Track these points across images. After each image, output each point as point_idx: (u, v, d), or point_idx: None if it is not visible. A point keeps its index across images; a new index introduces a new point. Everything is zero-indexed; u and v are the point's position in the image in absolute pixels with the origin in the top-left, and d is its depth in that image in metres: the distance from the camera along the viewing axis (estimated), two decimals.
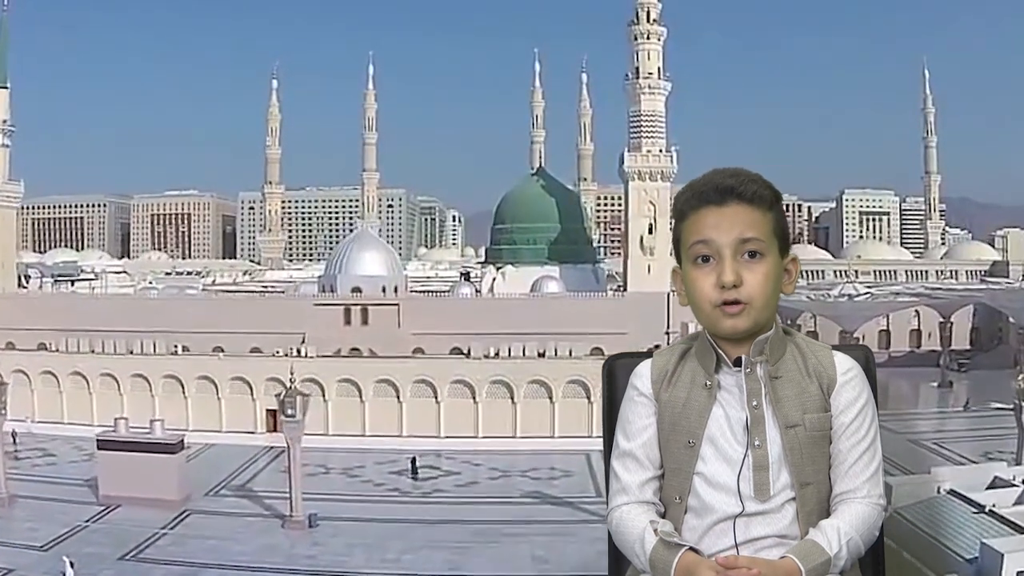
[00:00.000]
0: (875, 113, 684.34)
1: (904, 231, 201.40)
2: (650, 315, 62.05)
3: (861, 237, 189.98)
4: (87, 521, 35.46)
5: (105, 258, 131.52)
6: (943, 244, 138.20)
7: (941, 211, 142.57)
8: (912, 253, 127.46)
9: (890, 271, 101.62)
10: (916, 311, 77.05)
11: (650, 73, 72.35)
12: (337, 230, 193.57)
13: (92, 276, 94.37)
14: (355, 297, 68.49)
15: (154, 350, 56.84)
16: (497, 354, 55.31)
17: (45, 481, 41.38)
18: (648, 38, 72.66)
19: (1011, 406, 45.28)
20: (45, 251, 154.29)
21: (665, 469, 2.64)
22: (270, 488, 39.66)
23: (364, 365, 55.79)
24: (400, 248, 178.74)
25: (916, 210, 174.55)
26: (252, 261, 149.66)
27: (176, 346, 58.01)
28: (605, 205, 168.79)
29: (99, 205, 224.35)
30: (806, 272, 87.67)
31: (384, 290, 70.30)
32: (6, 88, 78.51)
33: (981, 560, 17.20)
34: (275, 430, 45.80)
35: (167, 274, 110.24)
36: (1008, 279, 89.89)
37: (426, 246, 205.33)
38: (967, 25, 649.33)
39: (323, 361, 54.90)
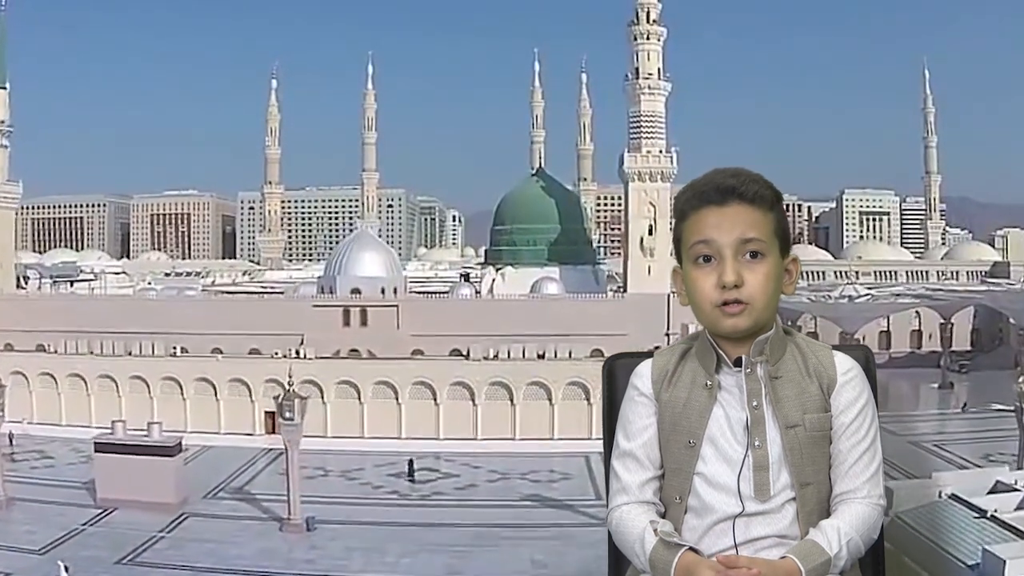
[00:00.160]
0: (875, 113, 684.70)
1: (904, 231, 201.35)
2: (650, 316, 61.89)
3: (861, 237, 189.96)
4: (84, 524, 35.34)
5: (104, 258, 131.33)
6: (943, 244, 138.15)
7: (941, 211, 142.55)
8: (912, 253, 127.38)
9: (891, 272, 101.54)
10: (917, 312, 76.96)
11: (650, 74, 72.13)
12: (337, 230, 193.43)
13: (91, 277, 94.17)
14: (354, 298, 68.30)
15: (152, 351, 56.68)
16: (496, 356, 55.14)
17: (43, 484, 41.26)
18: (648, 38, 72.44)
19: (1012, 408, 45.18)
20: (45, 251, 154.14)
21: (665, 469, 2.65)
22: (268, 491, 39.50)
23: (363, 366, 55.64)
24: (400, 248, 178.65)
25: (916, 210, 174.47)
26: (252, 261, 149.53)
27: (175, 347, 57.84)
28: (605, 205, 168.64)
29: (99, 205, 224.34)
30: (806, 273, 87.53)
31: (383, 291, 70.11)
32: (5, 89, 78.29)
33: (983, 566, 17.10)
34: (274, 432, 45.61)
35: (166, 275, 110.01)
36: (1009, 280, 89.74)
37: (426, 246, 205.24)
38: (967, 25, 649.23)
39: (322, 363, 54.74)
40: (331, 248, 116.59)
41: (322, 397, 51.43)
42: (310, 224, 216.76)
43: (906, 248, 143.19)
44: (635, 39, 72.80)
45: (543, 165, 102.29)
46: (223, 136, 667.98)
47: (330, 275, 73.65)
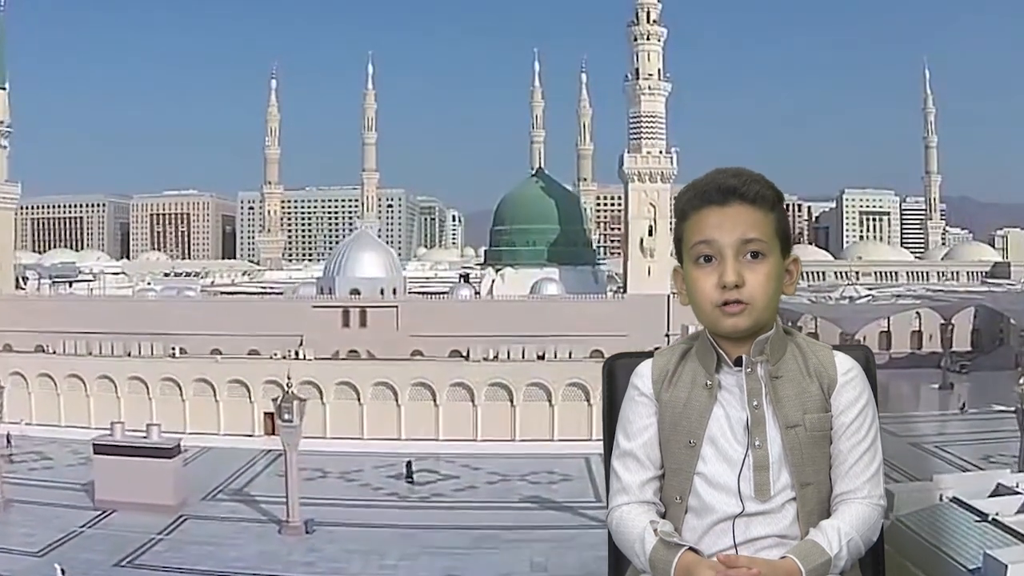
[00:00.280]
0: (875, 113, 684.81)
1: (904, 231, 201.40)
2: (650, 317, 61.76)
3: (861, 237, 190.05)
4: (83, 526, 35.21)
5: (104, 258, 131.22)
6: (944, 244, 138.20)
7: (941, 211, 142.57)
8: (912, 253, 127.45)
9: (891, 272, 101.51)
10: (917, 313, 76.94)
11: (650, 74, 71.95)
12: (337, 230, 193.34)
13: (90, 277, 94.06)
14: (353, 299, 68.17)
15: (152, 352, 56.60)
16: (496, 356, 55.07)
17: (41, 485, 41.14)
18: (648, 39, 72.25)
19: (1012, 409, 45.09)
20: (44, 251, 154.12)
21: (665, 469, 2.65)
22: (267, 492, 39.37)
23: (362, 367, 55.59)
24: (399, 248, 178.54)
25: (916, 210, 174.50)
26: (251, 261, 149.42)
27: (174, 348, 57.75)
28: (605, 205, 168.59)
29: (98, 205, 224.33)
30: (807, 273, 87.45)
31: (382, 292, 70.02)
32: (4, 89, 78.12)
33: (984, 571, 16.95)
34: (273, 433, 45.49)
35: (165, 275, 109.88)
36: (1009, 280, 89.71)
37: (426, 246, 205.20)
38: (967, 25, 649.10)
39: (321, 364, 54.69)
40: (331, 248, 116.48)
41: (321, 398, 51.41)
42: (310, 224, 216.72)
43: (906, 248, 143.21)
44: (635, 39, 72.63)
45: (543, 165, 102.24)
46: (223, 136, 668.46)
47: (329, 276, 73.55)
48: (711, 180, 2.52)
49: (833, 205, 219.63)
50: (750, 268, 2.46)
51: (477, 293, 78.43)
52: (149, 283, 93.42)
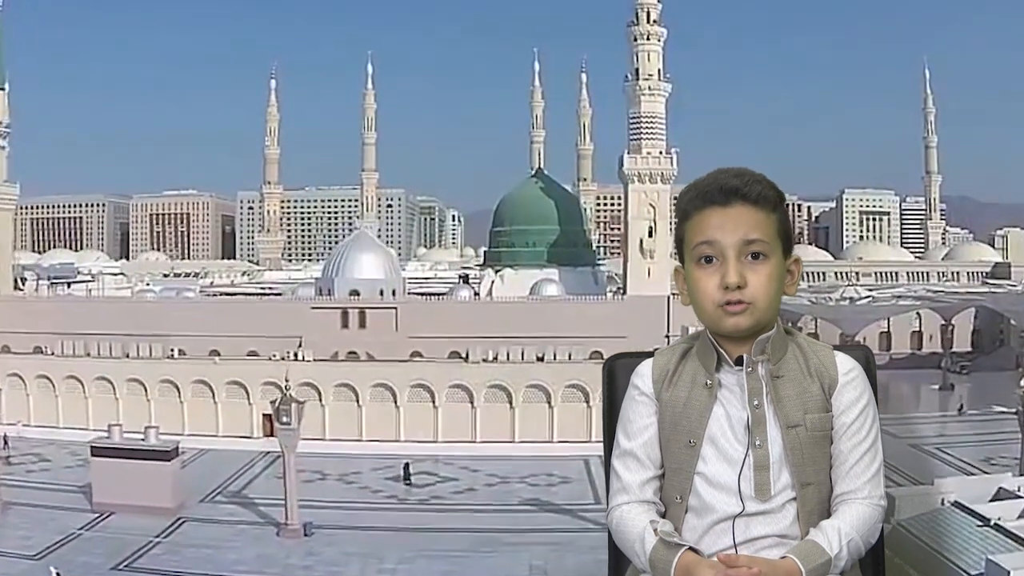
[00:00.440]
0: (875, 113, 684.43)
1: (904, 231, 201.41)
2: (650, 318, 61.59)
3: (861, 237, 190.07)
4: (80, 529, 35.11)
5: (103, 259, 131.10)
6: (944, 244, 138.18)
7: (942, 211, 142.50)
8: (912, 253, 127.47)
9: (891, 272, 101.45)
10: (917, 313, 76.88)
11: (650, 75, 71.76)
12: (336, 230, 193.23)
13: (89, 278, 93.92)
14: (352, 300, 68.02)
15: (150, 354, 56.45)
16: (495, 358, 54.86)
17: (39, 487, 41.05)
18: (648, 39, 72.06)
19: (1013, 410, 44.98)
20: (44, 251, 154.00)
21: (666, 469, 2.65)
22: (266, 495, 39.27)
23: (361, 369, 55.49)
24: (399, 248, 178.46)
25: (916, 210, 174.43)
26: (251, 261, 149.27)
27: (172, 350, 57.60)
28: (605, 205, 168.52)
29: (98, 205, 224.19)
30: (807, 274, 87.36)
31: (381, 293, 69.89)
32: (4, 90, 77.96)
33: None
34: (272, 434, 45.38)
35: (165, 275, 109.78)
36: (1010, 281, 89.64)
37: (425, 246, 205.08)
38: (967, 25, 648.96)
39: (320, 365, 54.57)
40: (330, 248, 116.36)
41: (320, 400, 51.29)
42: (309, 224, 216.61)
43: (906, 248, 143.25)
44: (635, 40, 72.44)
45: (543, 165, 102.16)
46: (223, 136, 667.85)
47: (328, 277, 73.40)
48: (713, 180, 2.52)
49: (833, 205, 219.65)
50: (752, 269, 2.46)
51: (476, 294, 78.32)
52: (148, 284, 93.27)
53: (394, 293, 71.48)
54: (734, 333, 2.51)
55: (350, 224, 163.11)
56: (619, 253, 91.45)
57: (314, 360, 55.25)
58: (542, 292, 73.06)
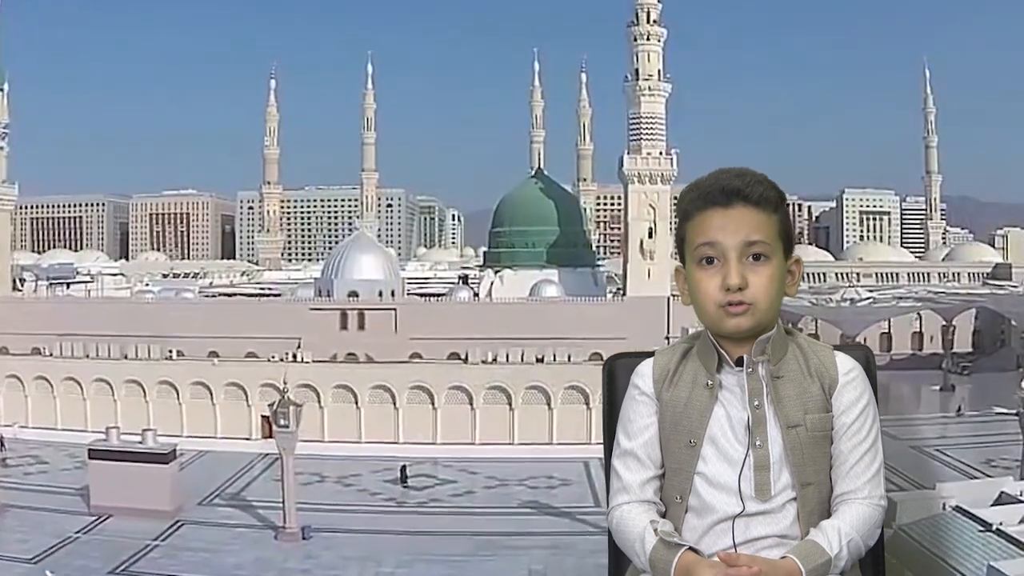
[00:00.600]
0: (875, 113, 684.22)
1: (904, 231, 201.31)
2: (650, 320, 61.48)
3: (862, 237, 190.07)
4: (78, 532, 34.93)
5: (102, 259, 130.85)
6: (944, 244, 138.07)
7: (942, 211, 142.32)
8: (913, 253, 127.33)
9: (892, 273, 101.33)
10: (918, 314, 76.77)
11: (650, 75, 71.59)
12: (336, 230, 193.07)
13: (88, 278, 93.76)
14: (351, 301, 67.87)
15: (149, 355, 56.34)
16: (495, 359, 54.75)
17: (37, 490, 40.89)
18: (648, 39, 71.91)
19: (1014, 412, 44.82)
20: (43, 251, 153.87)
21: (666, 469, 2.66)
22: (264, 497, 39.12)
23: (360, 371, 55.39)
24: (399, 248, 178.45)
25: (917, 210, 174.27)
26: (251, 261, 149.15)
27: (171, 351, 57.49)
28: (605, 205, 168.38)
29: (98, 205, 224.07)
30: (808, 275, 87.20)
31: (381, 294, 69.76)
32: (2, 91, 77.84)
33: None
34: (270, 436, 45.25)
35: (164, 276, 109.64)
36: (1011, 281, 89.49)
37: (425, 246, 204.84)
38: (967, 25, 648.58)
39: (318, 367, 54.47)
40: (330, 248, 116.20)
41: (319, 401, 51.17)
42: (309, 224, 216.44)
43: (906, 248, 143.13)
44: (635, 40, 72.27)
45: (543, 165, 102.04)
46: (222, 136, 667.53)
47: (327, 278, 73.24)
48: (715, 181, 2.52)
49: (833, 205, 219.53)
50: (753, 270, 2.47)
51: (476, 295, 78.20)
52: (147, 284, 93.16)
53: (393, 294, 71.34)
54: (735, 334, 2.52)
55: (350, 224, 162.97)
56: (619, 253, 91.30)
57: (313, 361, 55.16)
58: (542, 293, 72.95)
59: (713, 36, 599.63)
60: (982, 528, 19.46)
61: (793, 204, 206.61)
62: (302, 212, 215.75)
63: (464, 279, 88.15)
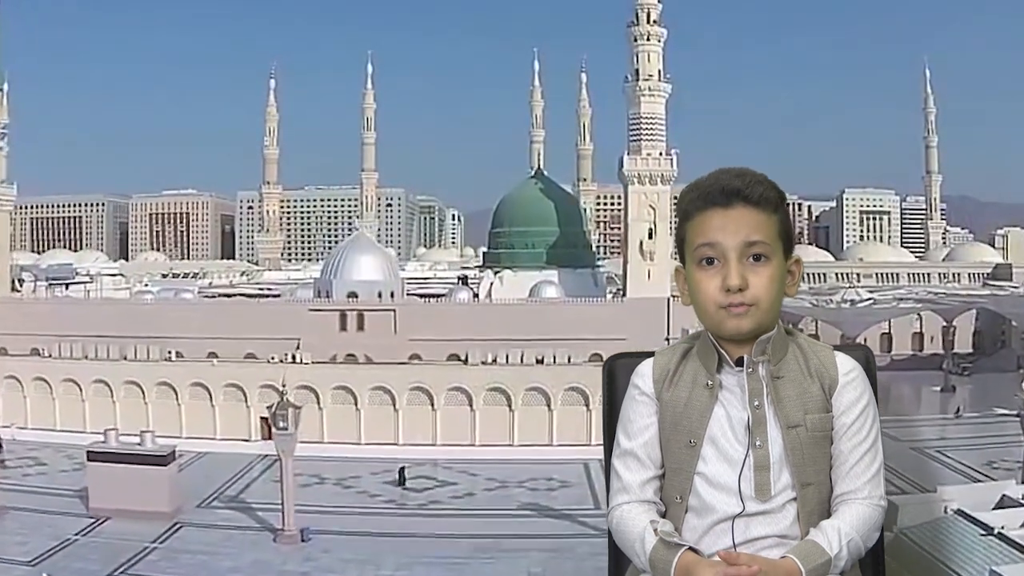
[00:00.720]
0: (876, 112, 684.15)
1: (905, 231, 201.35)
2: (650, 320, 61.41)
3: (862, 237, 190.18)
4: (76, 534, 34.80)
5: (102, 259, 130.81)
6: (944, 244, 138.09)
7: (942, 211, 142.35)
8: (913, 253, 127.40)
9: (892, 274, 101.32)
10: (918, 315, 76.71)
11: (650, 75, 71.52)
12: (336, 230, 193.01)
13: (87, 279, 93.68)
14: (351, 302, 67.83)
15: (148, 356, 56.26)
16: (495, 360, 54.70)
17: (35, 491, 40.77)
18: (648, 39, 71.84)
19: (1015, 413, 44.70)
20: (43, 251, 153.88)
21: (666, 469, 2.66)
22: (263, 499, 39.00)
23: (359, 372, 55.31)
24: (399, 248, 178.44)
25: (917, 209, 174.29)
26: (251, 261, 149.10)
27: (170, 352, 57.42)
28: (605, 205, 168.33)
29: (97, 205, 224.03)
30: (808, 275, 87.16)
31: (380, 295, 69.69)
32: (1, 91, 77.81)
33: None
34: (270, 437, 45.16)
35: (163, 276, 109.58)
36: (1012, 282, 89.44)
37: (425, 246, 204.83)
38: (967, 25, 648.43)
39: (318, 368, 54.39)
40: (330, 248, 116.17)
41: (318, 403, 51.07)
42: (309, 224, 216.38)
43: (906, 248, 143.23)
44: (635, 40, 72.21)
45: (543, 165, 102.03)
46: (222, 136, 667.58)
47: (326, 279, 73.16)
48: (715, 181, 2.51)
49: (833, 204, 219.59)
50: (753, 270, 2.46)
51: (476, 296, 78.13)
52: (146, 284, 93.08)
53: (392, 295, 71.29)
54: (736, 336, 2.52)
55: (350, 224, 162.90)
56: (619, 253, 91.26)
57: (312, 362, 55.08)
58: (541, 294, 72.89)
59: (713, 36, 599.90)
60: (984, 532, 19.38)
61: (793, 204, 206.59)
62: (302, 212, 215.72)
63: (464, 280, 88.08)
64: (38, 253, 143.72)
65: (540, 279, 75.76)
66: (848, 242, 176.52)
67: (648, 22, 72.31)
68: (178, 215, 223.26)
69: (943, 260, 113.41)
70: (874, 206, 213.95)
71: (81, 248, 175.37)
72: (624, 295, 72.45)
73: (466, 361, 55.66)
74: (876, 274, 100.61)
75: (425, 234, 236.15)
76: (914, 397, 65.29)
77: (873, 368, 2.72)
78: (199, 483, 41.46)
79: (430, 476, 44.40)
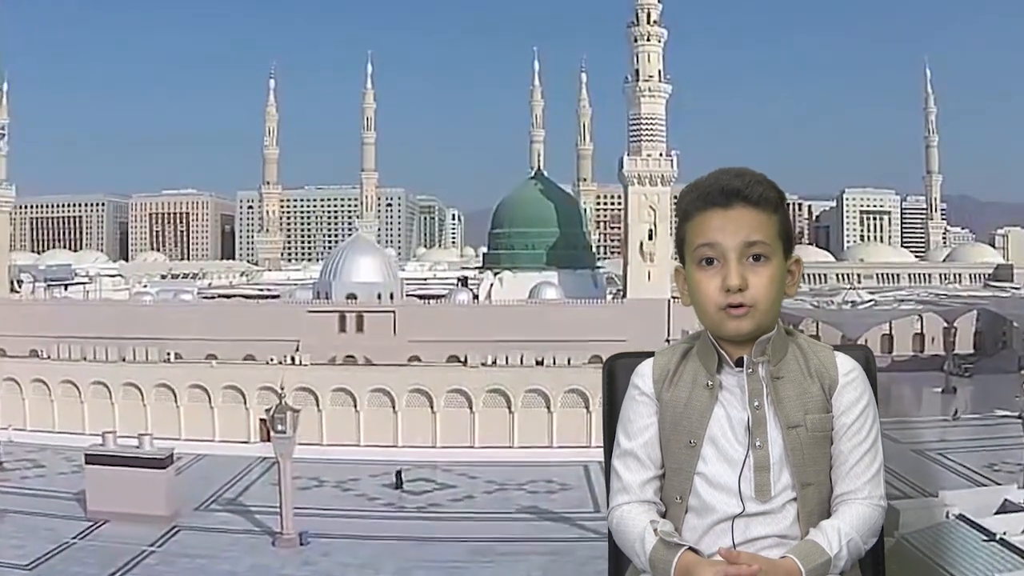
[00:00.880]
0: (876, 112, 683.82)
1: (905, 230, 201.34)
2: (650, 322, 61.32)
3: (862, 237, 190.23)
4: (74, 538, 34.63)
5: (101, 259, 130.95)
6: (944, 244, 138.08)
7: (942, 211, 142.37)
8: (913, 253, 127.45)
9: (893, 274, 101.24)
10: (919, 316, 76.62)
11: (650, 76, 71.38)
12: (336, 230, 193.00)
13: (86, 279, 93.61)
14: (350, 304, 67.76)
15: (146, 358, 56.15)
16: (494, 362, 54.60)
17: (34, 494, 40.64)
18: (648, 40, 71.70)
19: (1017, 414, 44.60)
20: (43, 251, 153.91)
21: (666, 469, 2.66)
22: (262, 502, 38.79)
23: (359, 374, 55.18)
24: (399, 248, 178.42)
25: (917, 209, 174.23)
26: (250, 261, 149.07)
27: (169, 353, 57.32)
28: (605, 205, 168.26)
29: (97, 204, 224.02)
30: (808, 276, 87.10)
31: (379, 296, 69.58)
32: (0, 91, 77.75)
33: None
34: (269, 439, 45.04)
35: (162, 276, 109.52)
36: (1013, 283, 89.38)
37: (425, 245, 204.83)
38: (967, 25, 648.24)
39: (317, 370, 54.27)
40: (330, 248, 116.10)
41: (317, 405, 50.95)
42: (309, 224, 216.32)
43: (907, 248, 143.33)
44: (635, 40, 72.06)
45: (543, 165, 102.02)
46: (222, 136, 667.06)
47: (326, 280, 73.08)
48: (714, 181, 2.51)
49: (834, 204, 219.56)
50: (753, 271, 2.46)
51: (475, 297, 78.03)
52: (145, 285, 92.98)
53: (392, 296, 71.18)
54: (736, 336, 2.52)
55: (350, 224, 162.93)
56: (619, 253, 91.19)
57: (311, 364, 54.97)
58: (541, 295, 72.79)
59: (713, 36, 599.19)
60: (986, 538, 19.29)
61: (793, 204, 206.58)
62: (302, 212, 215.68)
63: (463, 281, 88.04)
64: (38, 253, 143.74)
65: (540, 280, 75.64)
66: (848, 242, 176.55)
67: (648, 22, 72.15)
68: (178, 215, 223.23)
69: (944, 261, 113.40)
70: (874, 206, 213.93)
71: (81, 248, 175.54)
72: (624, 296, 72.34)
73: (465, 363, 55.54)
74: (877, 275, 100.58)
75: (425, 234, 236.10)
76: (914, 398, 65.16)
77: (873, 368, 2.72)
78: (198, 486, 41.30)
79: (429, 479, 44.30)
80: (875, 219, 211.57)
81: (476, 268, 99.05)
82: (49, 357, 57.71)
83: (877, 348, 68.05)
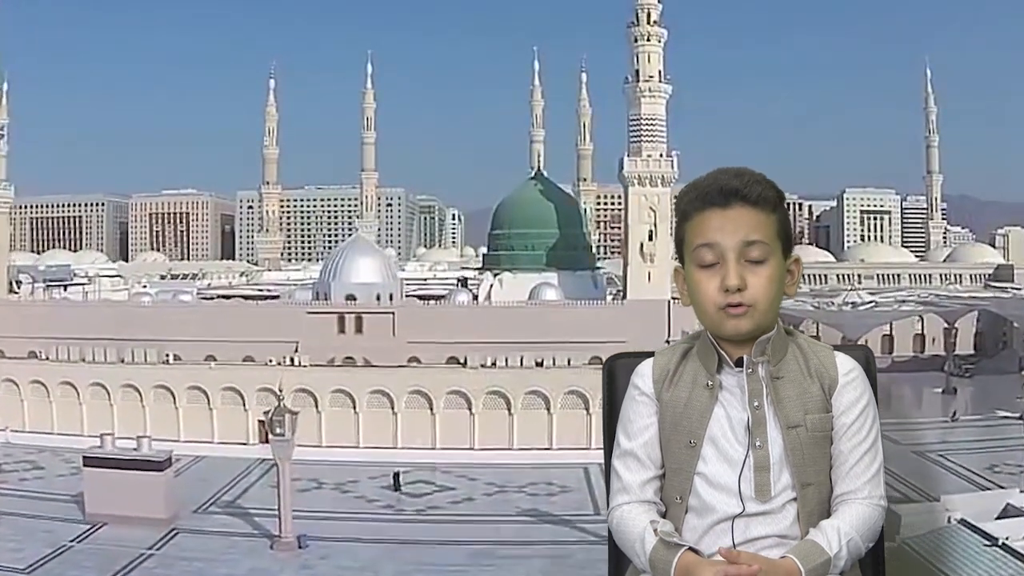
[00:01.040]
0: (876, 112, 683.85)
1: (905, 230, 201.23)
2: (650, 323, 61.22)
3: (862, 236, 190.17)
4: (72, 541, 34.49)
5: (100, 260, 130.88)
6: (945, 243, 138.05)
7: (943, 210, 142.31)
8: (913, 253, 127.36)
9: (894, 275, 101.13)
10: (920, 316, 76.53)
11: (650, 76, 71.23)
12: (336, 230, 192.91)
13: (85, 280, 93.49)
14: (349, 305, 67.67)
15: (145, 359, 56.04)
16: (494, 363, 54.50)
17: (32, 496, 40.50)
18: (648, 40, 71.56)
19: (1018, 415, 44.50)
20: (43, 251, 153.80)
21: (666, 469, 2.65)
22: (260, 504, 38.64)
23: (358, 375, 55.08)
24: (399, 248, 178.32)
25: (917, 209, 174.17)
26: (250, 261, 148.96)
27: (168, 355, 57.21)
28: (605, 205, 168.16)
29: (97, 204, 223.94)
30: (808, 276, 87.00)
31: (379, 297, 69.46)
32: (0, 91, 77.66)
33: None
34: (267, 441, 44.94)
35: (162, 277, 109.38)
36: (1014, 284, 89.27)
37: (425, 245, 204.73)
38: (967, 25, 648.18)
39: (316, 371, 54.16)
40: (330, 248, 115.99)
41: (316, 406, 50.83)
42: (309, 224, 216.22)
43: (907, 247, 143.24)
44: (635, 41, 71.91)
45: (543, 165, 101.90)
46: (222, 136, 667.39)
47: (325, 281, 72.98)
48: (713, 181, 2.51)
49: (834, 204, 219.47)
50: (752, 271, 2.46)
51: (475, 298, 77.91)
52: (145, 286, 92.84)
53: (391, 297, 71.06)
54: (735, 337, 2.52)
55: (350, 224, 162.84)
56: (619, 253, 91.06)
57: (310, 365, 54.85)
58: (541, 296, 72.66)
59: (713, 36, 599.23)
60: (987, 543, 19.17)
61: (793, 203, 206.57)
62: (302, 212, 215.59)
63: (463, 282, 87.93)
64: (38, 253, 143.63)
65: (540, 281, 75.50)
66: (849, 242, 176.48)
67: (648, 23, 71.99)
68: (178, 215, 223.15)
69: (944, 261, 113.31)
70: (875, 206, 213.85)
71: (81, 248, 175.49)
72: (624, 297, 72.21)
73: (465, 364, 55.44)
74: (877, 275, 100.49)
75: (425, 234, 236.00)
76: (915, 399, 65.04)
77: (873, 368, 2.71)
78: (196, 488, 41.15)
79: (429, 480, 44.16)
80: (875, 219, 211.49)
81: (476, 269, 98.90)
82: (48, 358, 57.61)
83: (877, 348, 67.93)
